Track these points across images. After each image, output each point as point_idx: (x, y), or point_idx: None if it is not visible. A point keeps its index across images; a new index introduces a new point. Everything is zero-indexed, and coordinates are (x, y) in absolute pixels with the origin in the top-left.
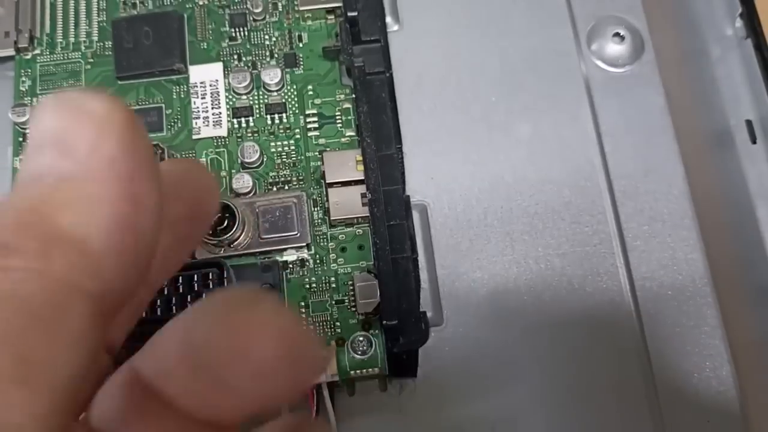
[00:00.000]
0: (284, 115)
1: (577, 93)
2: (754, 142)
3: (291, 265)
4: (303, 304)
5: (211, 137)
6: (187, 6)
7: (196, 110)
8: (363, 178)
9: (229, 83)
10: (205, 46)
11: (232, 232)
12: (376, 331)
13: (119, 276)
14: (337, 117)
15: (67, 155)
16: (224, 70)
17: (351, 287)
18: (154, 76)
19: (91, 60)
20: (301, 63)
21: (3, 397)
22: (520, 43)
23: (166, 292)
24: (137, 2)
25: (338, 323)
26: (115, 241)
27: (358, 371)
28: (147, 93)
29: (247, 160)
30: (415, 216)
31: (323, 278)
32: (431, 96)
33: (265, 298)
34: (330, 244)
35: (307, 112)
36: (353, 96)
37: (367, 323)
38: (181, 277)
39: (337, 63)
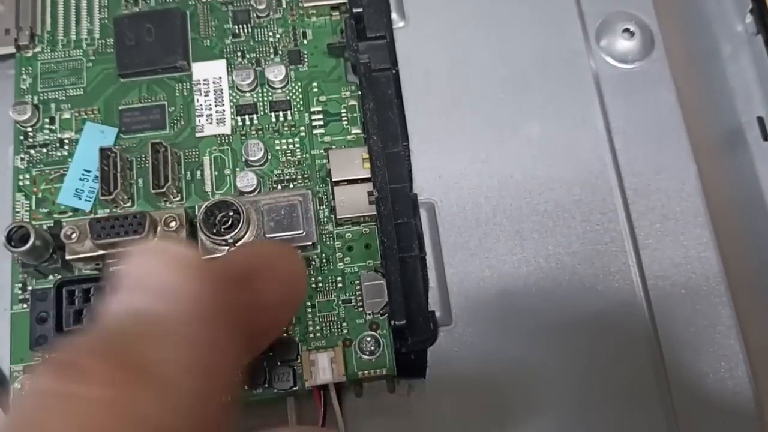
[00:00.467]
0: (289, 112)
1: (586, 89)
2: (765, 139)
3: None
4: (309, 303)
5: (215, 135)
6: (190, 2)
7: (199, 108)
8: (369, 176)
9: (232, 80)
10: (208, 43)
11: (236, 230)
12: (384, 332)
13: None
14: (343, 114)
15: (159, 297)
16: (228, 68)
17: (358, 287)
18: (157, 73)
19: (93, 57)
20: (306, 60)
21: None
22: (528, 40)
23: None
24: None
25: (345, 323)
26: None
27: (365, 372)
28: (149, 91)
29: (251, 158)
30: (423, 214)
31: (330, 278)
32: (438, 93)
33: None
34: (336, 243)
35: (312, 109)
36: (359, 93)
37: (375, 323)
38: None
39: (342, 60)
